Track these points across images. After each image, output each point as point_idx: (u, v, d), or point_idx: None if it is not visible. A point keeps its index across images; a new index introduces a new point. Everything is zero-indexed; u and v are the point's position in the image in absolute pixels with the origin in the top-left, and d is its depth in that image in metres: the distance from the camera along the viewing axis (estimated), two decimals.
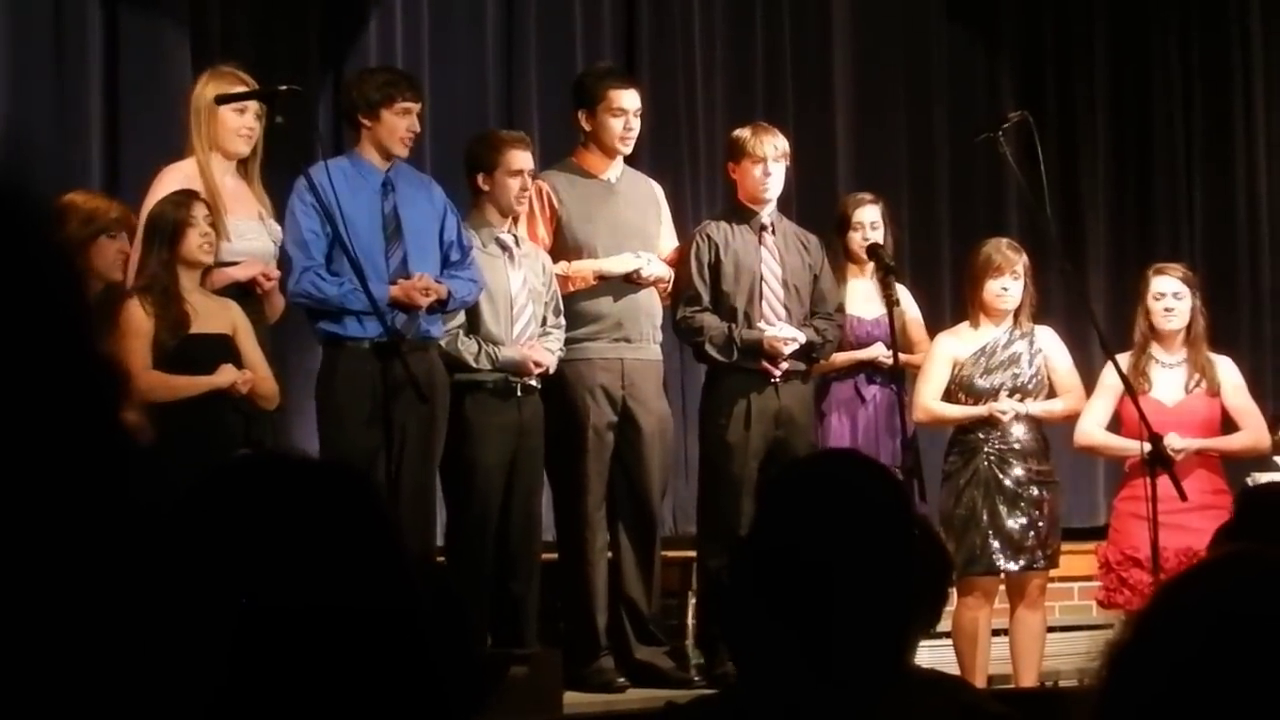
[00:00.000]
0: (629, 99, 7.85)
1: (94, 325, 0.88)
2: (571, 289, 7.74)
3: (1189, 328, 7.77)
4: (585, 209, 7.84)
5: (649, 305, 7.87)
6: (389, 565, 1.48)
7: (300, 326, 7.39)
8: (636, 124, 7.89)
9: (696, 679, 7.73)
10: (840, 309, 8.06)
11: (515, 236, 7.63)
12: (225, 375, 6.68)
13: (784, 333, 7.81)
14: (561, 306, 7.69)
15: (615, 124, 7.84)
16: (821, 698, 2.60)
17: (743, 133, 8.05)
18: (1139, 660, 1.39)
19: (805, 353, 7.90)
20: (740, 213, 8.04)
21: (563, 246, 7.81)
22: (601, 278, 7.77)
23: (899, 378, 7.73)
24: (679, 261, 7.97)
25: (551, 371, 7.56)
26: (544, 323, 7.62)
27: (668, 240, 8.06)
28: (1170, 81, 11.10)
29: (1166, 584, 1.51)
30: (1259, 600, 1.39)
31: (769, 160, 7.90)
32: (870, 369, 8.09)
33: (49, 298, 0.86)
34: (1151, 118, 11.06)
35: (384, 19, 9.06)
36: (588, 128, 7.90)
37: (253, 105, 6.99)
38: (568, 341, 7.69)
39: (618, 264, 7.78)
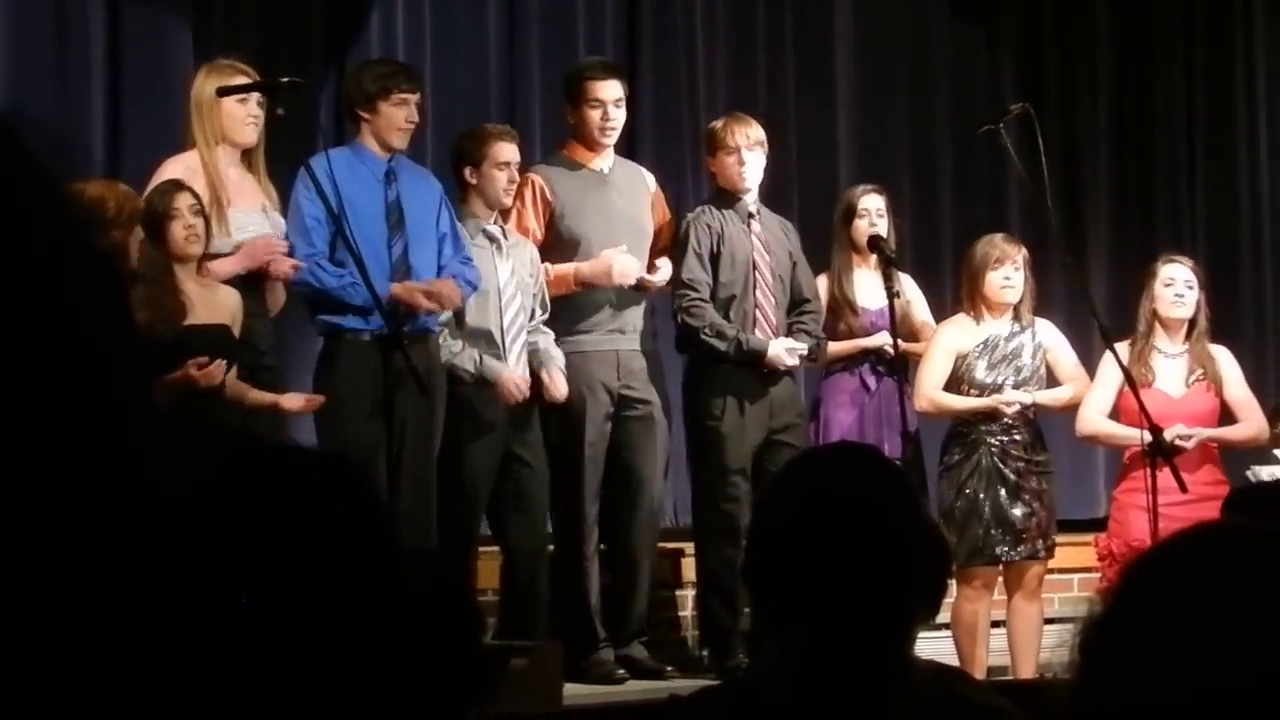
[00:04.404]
0: (606, 89, 7.83)
1: (131, 310, 0.90)
2: (551, 294, 7.74)
3: (1193, 320, 7.78)
4: (578, 200, 7.83)
5: (641, 296, 7.88)
6: (384, 559, 1.48)
7: (302, 317, 7.37)
8: (617, 114, 7.84)
9: (669, 669, 7.73)
10: (816, 295, 8.07)
11: (502, 228, 7.64)
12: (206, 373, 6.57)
13: (785, 348, 7.82)
14: (548, 300, 7.70)
15: (594, 115, 7.83)
16: (823, 689, 2.62)
17: (716, 124, 8.10)
18: (1108, 636, 1.40)
19: (807, 357, 7.95)
20: (726, 200, 8.04)
21: (556, 239, 7.80)
22: (584, 284, 7.75)
23: (901, 369, 7.77)
24: (671, 248, 7.97)
25: (561, 399, 7.56)
26: (532, 315, 7.63)
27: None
28: (1172, 73, 11.10)
29: (1135, 560, 1.50)
30: (1224, 574, 1.40)
31: (743, 149, 7.92)
32: (875, 359, 8.11)
33: (100, 287, 0.87)
34: (1153, 109, 11.06)
35: (386, 12, 9.06)
36: (572, 121, 7.92)
37: (254, 94, 6.98)
38: (563, 335, 7.70)
39: (608, 272, 7.74)
